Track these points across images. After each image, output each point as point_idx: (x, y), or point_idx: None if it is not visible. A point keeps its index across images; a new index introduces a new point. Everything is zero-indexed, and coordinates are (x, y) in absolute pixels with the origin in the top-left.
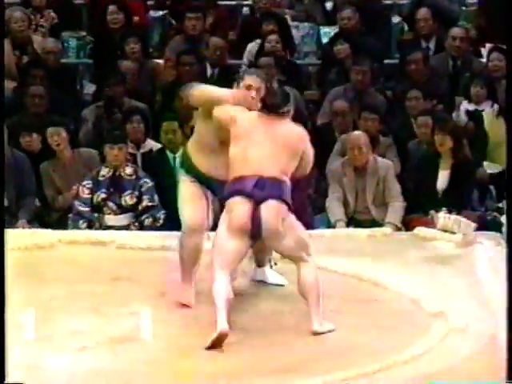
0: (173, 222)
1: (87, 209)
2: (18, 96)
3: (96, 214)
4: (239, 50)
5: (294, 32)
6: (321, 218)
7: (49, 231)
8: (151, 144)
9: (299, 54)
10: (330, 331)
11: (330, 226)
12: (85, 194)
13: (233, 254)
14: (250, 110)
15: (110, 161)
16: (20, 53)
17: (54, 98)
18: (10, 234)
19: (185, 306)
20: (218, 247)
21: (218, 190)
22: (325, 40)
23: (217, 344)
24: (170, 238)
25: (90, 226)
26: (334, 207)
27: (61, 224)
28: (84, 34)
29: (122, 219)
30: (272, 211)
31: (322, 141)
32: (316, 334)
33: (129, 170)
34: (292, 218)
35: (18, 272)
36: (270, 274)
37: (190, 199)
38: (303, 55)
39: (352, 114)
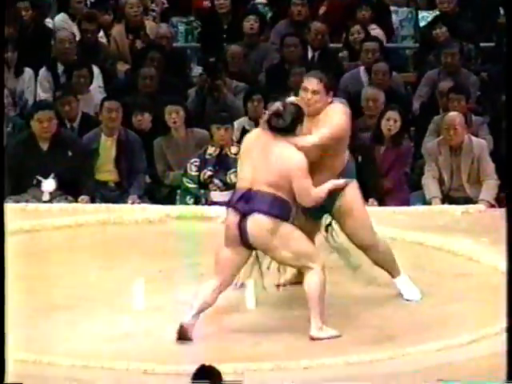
0: None
1: (195, 185)
2: (131, 78)
3: (202, 191)
4: (339, 34)
5: (393, 16)
6: (417, 194)
7: (158, 206)
8: (244, 122)
9: (397, 37)
10: (331, 337)
11: (425, 202)
12: (193, 171)
13: (224, 262)
14: (308, 112)
15: (217, 140)
16: (133, 37)
17: (165, 80)
18: (122, 208)
19: None
20: (215, 256)
21: None
22: (422, 24)
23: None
24: None
25: (196, 202)
26: (430, 184)
27: (169, 199)
28: (192, 18)
29: (227, 196)
30: (255, 224)
31: (420, 120)
32: (313, 339)
33: (234, 149)
34: (287, 228)
35: (129, 244)
36: (404, 287)
37: None
38: (401, 38)
39: None
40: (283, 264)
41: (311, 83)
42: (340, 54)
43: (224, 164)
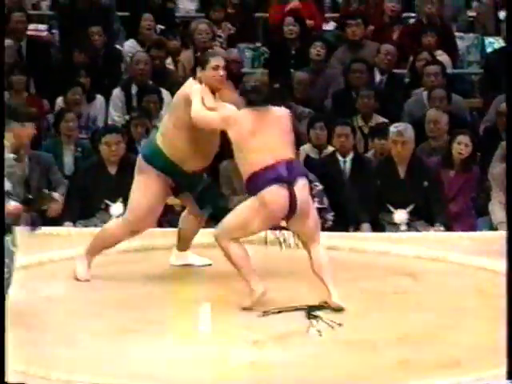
0: (341, 224)
1: None
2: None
3: None
4: (404, 60)
5: (458, 42)
6: (483, 220)
7: None
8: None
9: (463, 63)
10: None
11: (492, 228)
12: None
13: (250, 234)
14: (219, 88)
15: None
16: None
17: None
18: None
19: None
20: (241, 227)
21: (183, 181)
22: (489, 50)
23: (255, 304)
24: (338, 238)
25: None
26: (497, 210)
27: None
28: (259, 44)
29: None
30: (304, 189)
31: (486, 145)
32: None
33: None
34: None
35: (193, 269)
36: (194, 257)
37: (148, 196)
38: (467, 64)
39: None
40: (303, 235)
41: (220, 61)
42: (405, 80)
43: None
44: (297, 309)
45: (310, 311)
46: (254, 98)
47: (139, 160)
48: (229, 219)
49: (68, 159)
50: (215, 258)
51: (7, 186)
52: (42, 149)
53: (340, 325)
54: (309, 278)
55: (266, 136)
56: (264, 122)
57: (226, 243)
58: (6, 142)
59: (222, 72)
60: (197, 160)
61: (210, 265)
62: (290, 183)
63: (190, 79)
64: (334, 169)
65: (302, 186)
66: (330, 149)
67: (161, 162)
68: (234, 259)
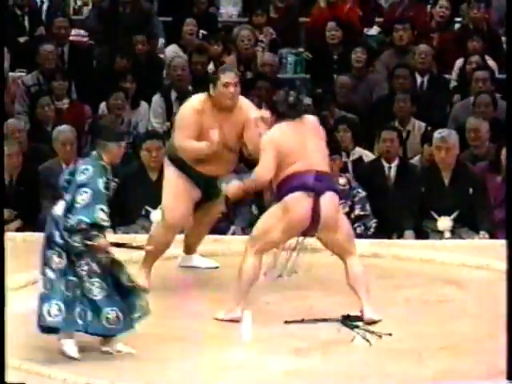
0: (383, 231)
1: None
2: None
3: None
4: (445, 63)
5: (505, 47)
6: None
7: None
8: (361, 152)
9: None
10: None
11: None
12: None
13: (274, 246)
14: (230, 104)
15: None
16: (244, 68)
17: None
18: (231, 240)
19: None
20: (264, 233)
21: (201, 183)
22: None
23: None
24: (381, 245)
25: None
26: None
27: None
28: (301, 50)
29: None
30: (331, 203)
31: None
32: (371, 321)
33: (342, 180)
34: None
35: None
36: (200, 260)
37: (175, 192)
38: None
39: None
40: (333, 248)
41: (231, 77)
42: (451, 85)
43: None
44: (330, 319)
45: (344, 322)
46: (288, 114)
47: (164, 159)
48: (255, 226)
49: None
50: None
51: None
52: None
53: (390, 335)
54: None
55: (300, 145)
56: (299, 131)
57: (248, 253)
58: (105, 164)
59: (232, 89)
60: (208, 165)
61: (217, 267)
62: (316, 193)
63: (196, 96)
64: (378, 175)
65: (328, 199)
66: (358, 150)
67: (177, 161)
68: (241, 271)
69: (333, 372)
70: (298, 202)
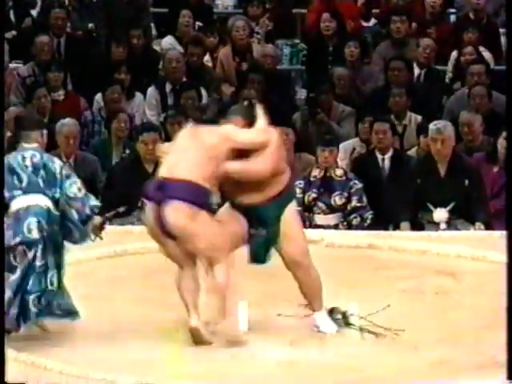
0: (379, 222)
1: (299, 208)
2: (233, 101)
3: (306, 213)
4: (445, 57)
5: (502, 39)
6: None
7: None
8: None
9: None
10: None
11: None
12: (297, 193)
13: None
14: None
15: (321, 162)
16: (240, 59)
17: (270, 102)
18: None
19: None
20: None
21: None
22: None
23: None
24: (378, 237)
25: None
26: None
27: None
28: (297, 41)
29: (331, 219)
30: (172, 211)
31: None
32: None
33: (339, 171)
34: (205, 216)
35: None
36: (323, 321)
37: None
38: None
39: None
40: (197, 254)
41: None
42: (447, 76)
43: (328, 186)
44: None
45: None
46: (193, 116)
47: None
48: None
49: (116, 160)
50: None
51: None
52: (90, 148)
53: (400, 332)
54: None
55: (173, 152)
56: (185, 139)
57: None
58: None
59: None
60: None
61: None
62: (156, 202)
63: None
64: (371, 166)
65: (171, 208)
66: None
67: None
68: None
69: (329, 364)
70: (146, 211)
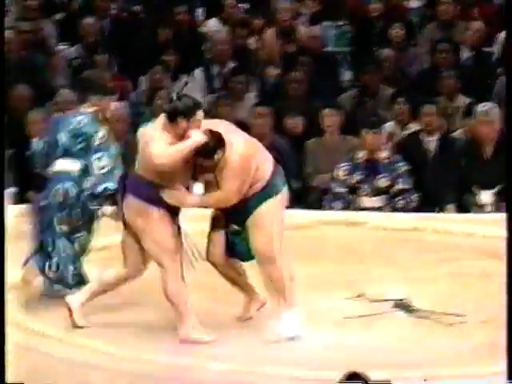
0: (425, 205)
1: (343, 190)
2: (280, 82)
3: (351, 196)
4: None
5: None
6: None
7: (307, 211)
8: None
9: None
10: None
11: None
12: (341, 176)
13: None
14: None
15: (367, 145)
16: (284, 41)
17: (316, 83)
18: None
19: None
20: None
21: None
22: None
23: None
24: (423, 219)
25: (345, 207)
26: None
27: (317, 204)
28: (343, 23)
29: (376, 201)
30: (126, 205)
31: None
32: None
33: (384, 153)
34: (154, 214)
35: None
36: (287, 322)
37: None
38: None
39: None
40: (148, 252)
41: None
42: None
43: (373, 169)
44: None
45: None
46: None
47: None
48: None
49: None
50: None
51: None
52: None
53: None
54: None
55: None
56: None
57: None
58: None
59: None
60: None
61: None
62: (120, 195)
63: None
64: (417, 148)
65: (125, 204)
66: (412, 126)
67: None
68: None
69: (373, 345)
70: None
